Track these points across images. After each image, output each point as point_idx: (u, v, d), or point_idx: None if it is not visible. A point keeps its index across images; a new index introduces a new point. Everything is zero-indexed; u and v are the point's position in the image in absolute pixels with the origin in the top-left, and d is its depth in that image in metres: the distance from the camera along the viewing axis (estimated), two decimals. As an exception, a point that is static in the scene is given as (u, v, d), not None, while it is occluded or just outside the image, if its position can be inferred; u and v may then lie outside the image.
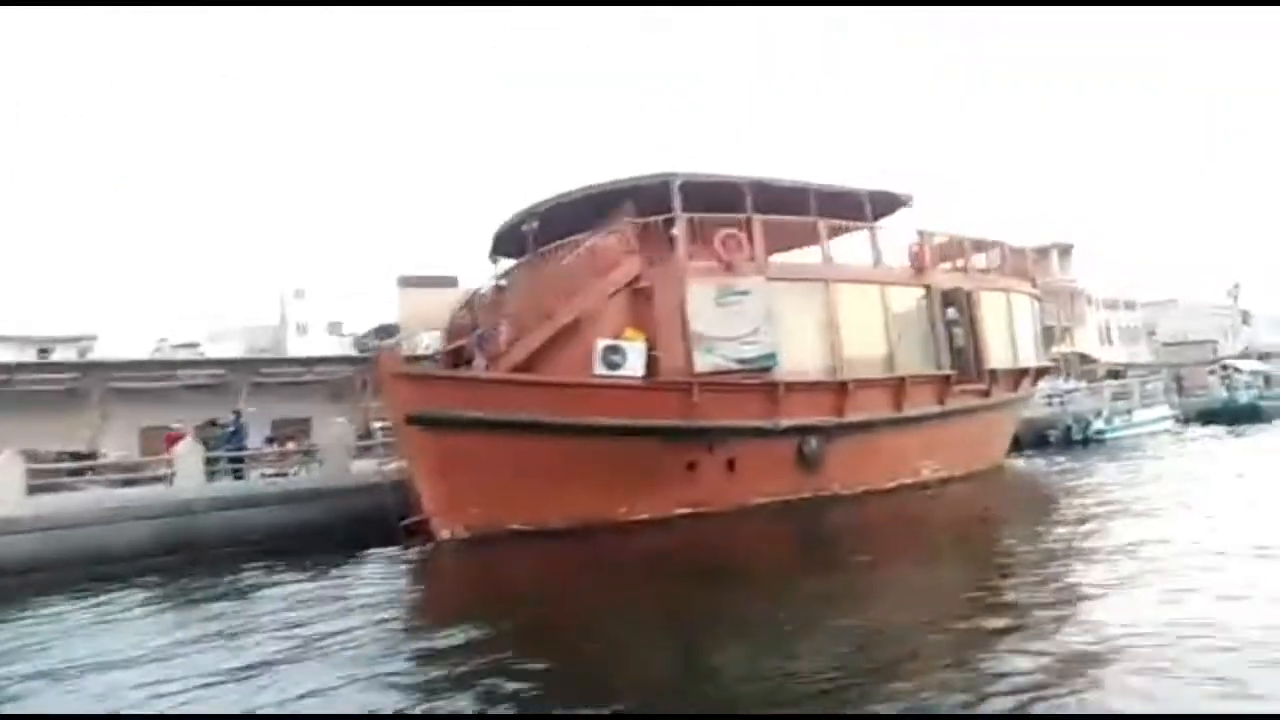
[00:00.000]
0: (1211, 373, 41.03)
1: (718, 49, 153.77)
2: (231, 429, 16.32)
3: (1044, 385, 40.49)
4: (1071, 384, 35.15)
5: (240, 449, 16.25)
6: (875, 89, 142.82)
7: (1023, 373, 19.11)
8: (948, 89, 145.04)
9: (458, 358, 15.23)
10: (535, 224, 15.56)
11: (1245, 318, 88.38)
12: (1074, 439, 29.52)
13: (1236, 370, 39.15)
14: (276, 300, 61.44)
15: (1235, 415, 35.24)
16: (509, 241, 16.75)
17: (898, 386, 16.11)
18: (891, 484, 15.85)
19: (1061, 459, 23.86)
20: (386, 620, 8.42)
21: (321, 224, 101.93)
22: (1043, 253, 51.71)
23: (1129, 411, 31.41)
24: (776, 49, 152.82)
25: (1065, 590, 7.93)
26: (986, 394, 17.97)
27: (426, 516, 12.96)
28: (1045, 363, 20.85)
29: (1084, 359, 49.25)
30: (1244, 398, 37.41)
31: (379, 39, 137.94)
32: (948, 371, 17.04)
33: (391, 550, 12.57)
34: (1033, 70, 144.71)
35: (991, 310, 18.37)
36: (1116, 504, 13.47)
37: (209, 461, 15.43)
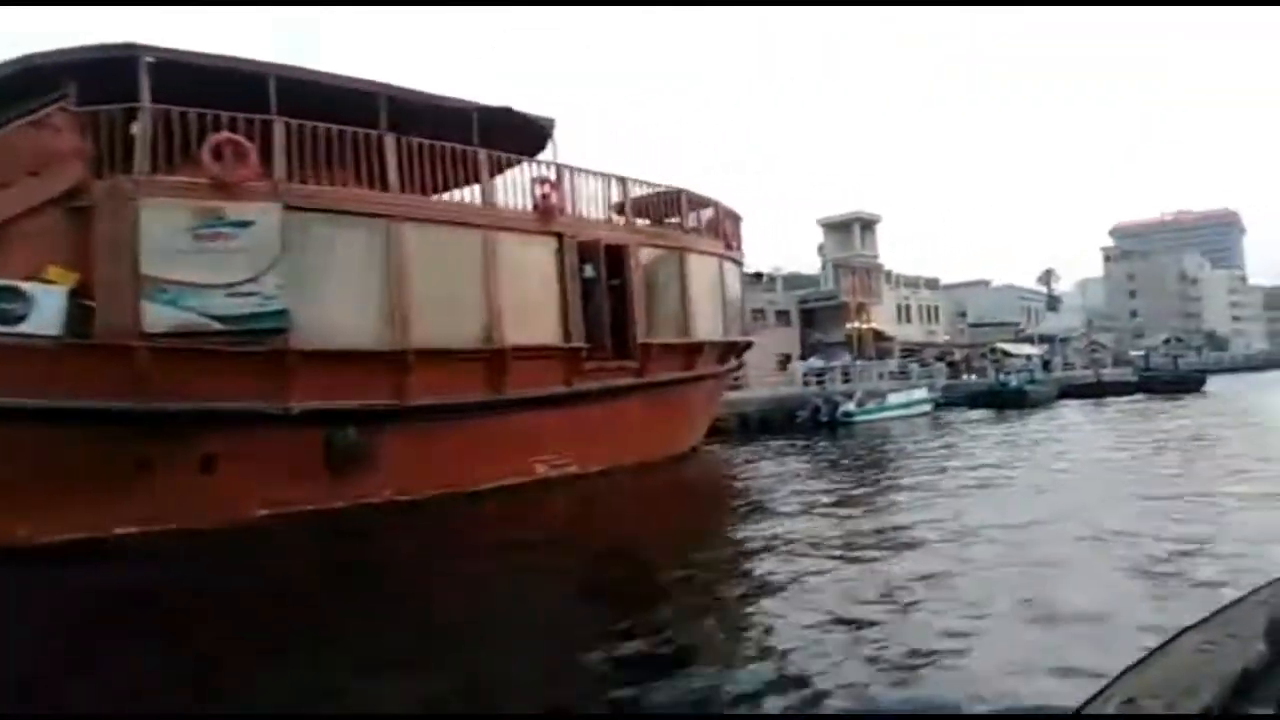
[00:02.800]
0: (983, 355, 40.49)
1: (717, 49, 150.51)
2: None
3: (815, 361, 39.15)
4: (832, 360, 33.34)
5: None
6: (876, 89, 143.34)
7: (695, 348, 15.93)
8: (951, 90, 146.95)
9: None
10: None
11: (1053, 303, 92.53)
12: (821, 422, 27.53)
13: (1005, 354, 38.58)
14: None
15: (1002, 400, 34.46)
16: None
17: (495, 361, 12.54)
18: (487, 485, 12.32)
19: (784, 444, 21.43)
20: None
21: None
22: (844, 225, 50.52)
23: (883, 394, 29.68)
24: (776, 50, 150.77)
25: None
26: (640, 373, 14.74)
27: None
28: (740, 338, 17.85)
29: (879, 336, 48.41)
30: (1014, 382, 36.84)
31: (378, 39, 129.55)
32: (578, 344, 13.64)
33: None
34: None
35: (656, 272, 15.10)
36: (752, 511, 10.62)
37: None
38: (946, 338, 55.17)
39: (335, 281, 11.13)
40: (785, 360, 41.79)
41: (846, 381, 32.55)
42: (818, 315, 48.74)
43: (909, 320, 53.43)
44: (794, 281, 54.08)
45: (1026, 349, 42.06)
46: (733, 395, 30.36)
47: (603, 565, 8.58)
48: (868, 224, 50.46)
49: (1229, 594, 2.81)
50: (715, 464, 17.21)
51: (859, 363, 36.40)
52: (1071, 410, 33.07)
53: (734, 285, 17.64)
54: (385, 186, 11.79)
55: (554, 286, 13.49)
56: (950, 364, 47.08)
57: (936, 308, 56.17)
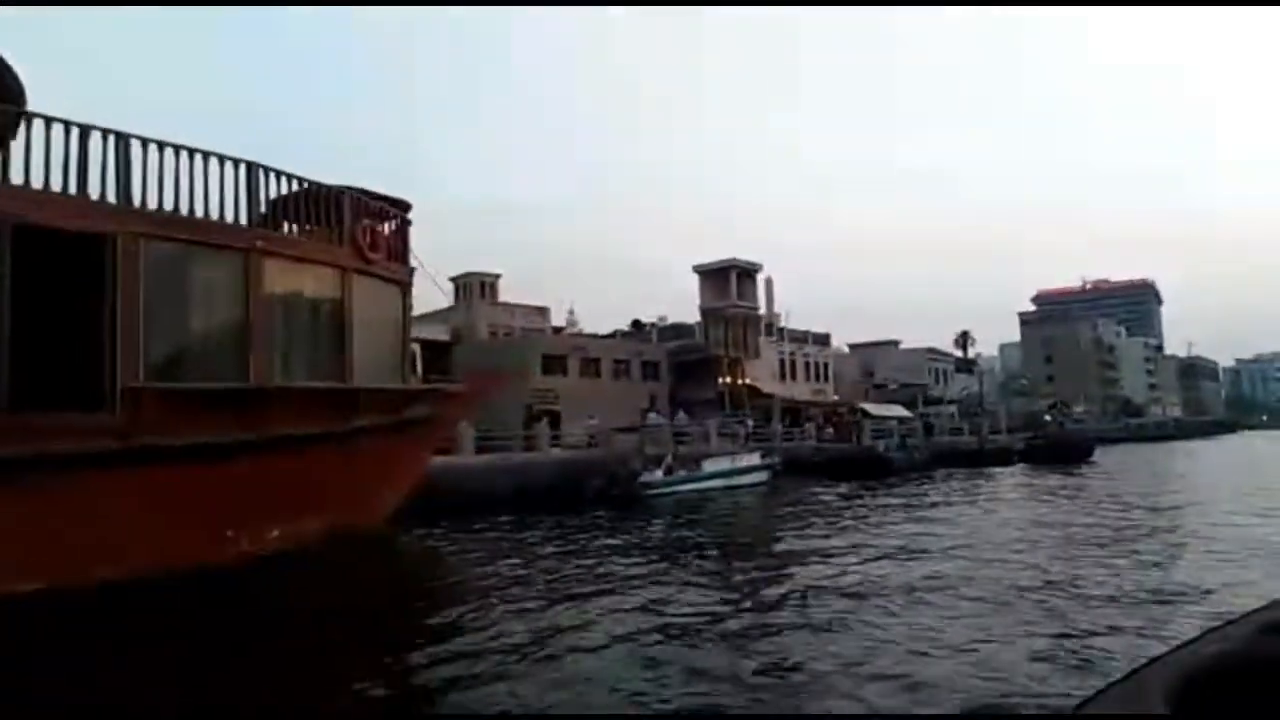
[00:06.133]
0: (839, 416, 36.07)
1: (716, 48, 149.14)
2: None
3: (653, 417, 34.17)
4: (658, 419, 28.53)
5: None
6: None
7: (259, 397, 10.62)
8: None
9: None
10: None
11: (964, 365, 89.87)
12: (613, 494, 22.30)
13: (865, 414, 34.14)
14: None
15: (862, 469, 29.86)
16: None
17: None
18: None
19: (517, 529, 16.23)
20: None
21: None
22: (720, 272, 46.28)
23: (696, 461, 24.65)
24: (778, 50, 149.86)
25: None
26: (126, 434, 9.44)
27: None
28: (376, 385, 12.52)
29: (756, 393, 43.85)
30: (880, 448, 32.38)
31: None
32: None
33: None
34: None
35: (181, 283, 9.94)
36: None
37: None
38: (835, 397, 50.94)
39: None
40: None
41: (680, 444, 27.54)
42: (691, 369, 44.11)
43: (793, 377, 49.10)
44: (679, 332, 49.61)
45: (898, 410, 37.71)
46: (522, 458, 25.29)
47: None
48: (745, 272, 46.22)
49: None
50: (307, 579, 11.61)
51: (687, 421, 31.32)
52: (939, 485, 28.63)
53: (375, 311, 12.47)
54: None
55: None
56: (835, 425, 42.68)
57: (826, 364, 52.00)
